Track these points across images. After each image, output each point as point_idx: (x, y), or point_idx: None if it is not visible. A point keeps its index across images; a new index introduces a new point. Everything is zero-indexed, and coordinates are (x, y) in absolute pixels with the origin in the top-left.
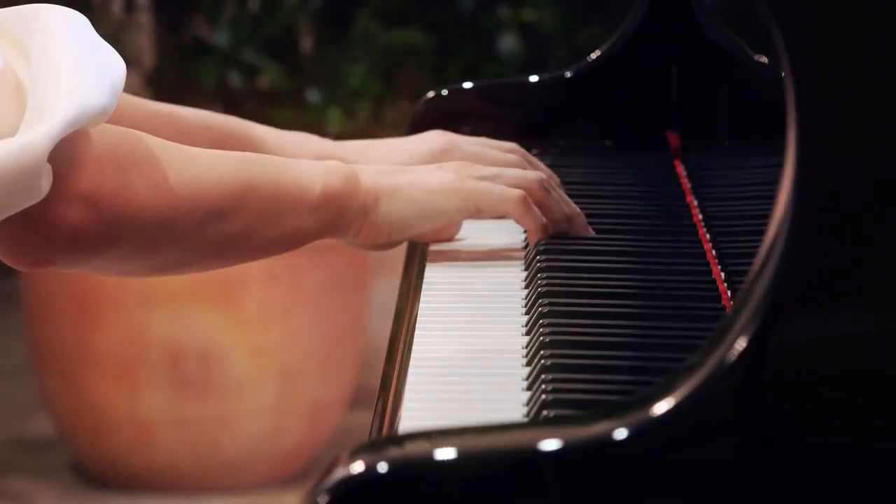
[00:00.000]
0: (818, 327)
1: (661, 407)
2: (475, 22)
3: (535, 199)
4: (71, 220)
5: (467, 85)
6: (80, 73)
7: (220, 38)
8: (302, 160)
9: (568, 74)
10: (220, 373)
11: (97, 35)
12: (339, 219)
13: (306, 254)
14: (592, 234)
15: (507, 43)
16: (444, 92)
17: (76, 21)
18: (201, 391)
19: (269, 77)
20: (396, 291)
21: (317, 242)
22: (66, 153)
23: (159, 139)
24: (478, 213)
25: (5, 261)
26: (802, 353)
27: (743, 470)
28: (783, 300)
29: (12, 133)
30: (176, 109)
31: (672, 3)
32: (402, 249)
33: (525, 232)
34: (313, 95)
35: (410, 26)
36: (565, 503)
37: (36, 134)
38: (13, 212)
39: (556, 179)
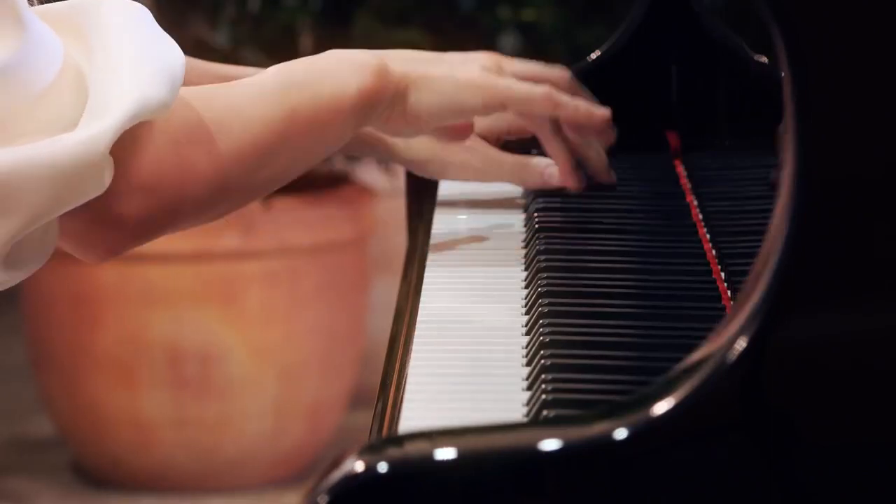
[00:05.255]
0: (818, 327)
1: (661, 407)
2: (475, 22)
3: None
4: (136, 211)
5: None
6: (139, 66)
7: (220, 38)
8: (333, 60)
9: None
10: (220, 373)
11: (157, 26)
12: (371, 112)
13: (306, 254)
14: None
15: (507, 43)
16: None
17: (136, 13)
18: (201, 391)
19: None
20: (396, 291)
21: (317, 243)
22: (125, 144)
23: (202, 93)
24: (503, 109)
25: (75, 254)
26: (802, 353)
27: (743, 470)
28: (783, 300)
29: (73, 125)
30: (232, 70)
31: (672, 3)
32: (401, 249)
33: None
34: None
35: (410, 26)
36: (565, 503)
37: (97, 129)
38: (76, 205)
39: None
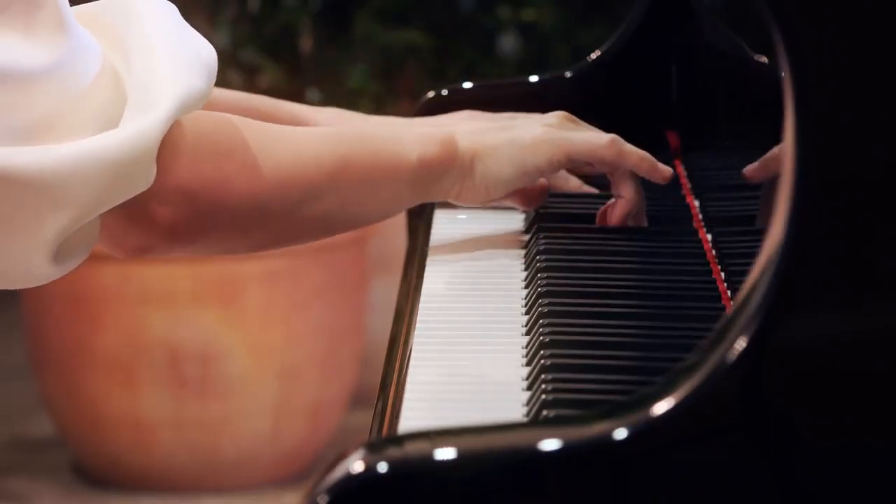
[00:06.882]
0: (818, 327)
1: (661, 407)
2: (475, 22)
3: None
4: (170, 213)
5: (467, 85)
6: (177, 61)
7: (220, 38)
8: (398, 129)
9: (568, 74)
10: (220, 373)
11: (185, 21)
12: (436, 185)
13: (306, 254)
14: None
15: (507, 43)
16: (444, 92)
17: (165, 9)
18: (201, 391)
19: (269, 77)
20: (396, 291)
21: (317, 242)
22: (167, 148)
23: (256, 122)
24: (570, 162)
25: (105, 248)
26: (802, 353)
27: (743, 470)
28: (783, 300)
29: (115, 124)
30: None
31: (672, 3)
32: (401, 249)
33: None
34: (313, 95)
35: (410, 26)
36: (565, 503)
37: (147, 122)
38: (126, 198)
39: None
